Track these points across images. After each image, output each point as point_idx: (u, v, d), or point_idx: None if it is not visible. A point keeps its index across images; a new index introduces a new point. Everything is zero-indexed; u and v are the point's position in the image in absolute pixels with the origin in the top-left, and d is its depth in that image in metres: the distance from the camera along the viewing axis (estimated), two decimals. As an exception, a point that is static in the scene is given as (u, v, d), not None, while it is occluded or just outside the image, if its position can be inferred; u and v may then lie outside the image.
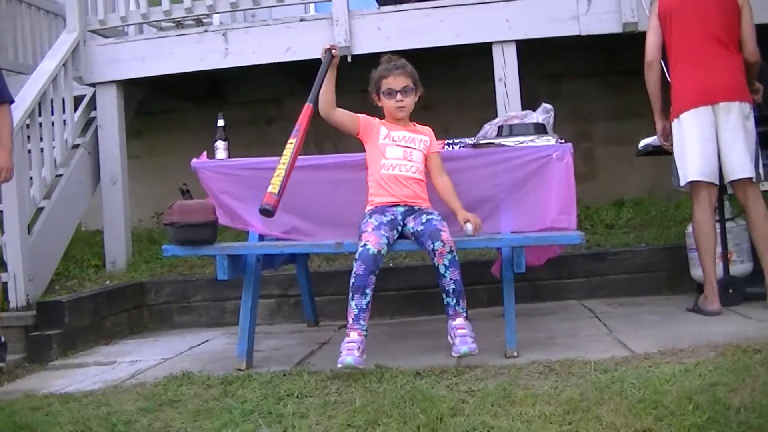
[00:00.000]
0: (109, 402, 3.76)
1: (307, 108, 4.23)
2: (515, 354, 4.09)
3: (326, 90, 4.27)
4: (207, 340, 5.43)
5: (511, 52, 6.41)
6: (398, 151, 4.24)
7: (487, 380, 3.58)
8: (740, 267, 5.30)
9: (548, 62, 7.61)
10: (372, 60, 4.54)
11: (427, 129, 4.41)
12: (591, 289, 5.98)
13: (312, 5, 7.94)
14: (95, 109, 6.97)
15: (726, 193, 5.25)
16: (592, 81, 8.16)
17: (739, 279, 5.24)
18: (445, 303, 4.01)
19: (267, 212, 4.00)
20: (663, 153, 5.52)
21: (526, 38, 6.42)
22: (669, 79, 5.17)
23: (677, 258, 5.79)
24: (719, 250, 5.22)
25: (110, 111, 6.81)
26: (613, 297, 5.84)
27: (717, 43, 4.95)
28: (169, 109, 8.55)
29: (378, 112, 4.46)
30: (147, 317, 6.17)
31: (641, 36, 6.06)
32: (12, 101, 4.93)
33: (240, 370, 4.21)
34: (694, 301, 5.09)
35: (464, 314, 3.97)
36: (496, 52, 6.42)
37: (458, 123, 7.30)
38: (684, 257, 5.61)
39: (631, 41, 6.40)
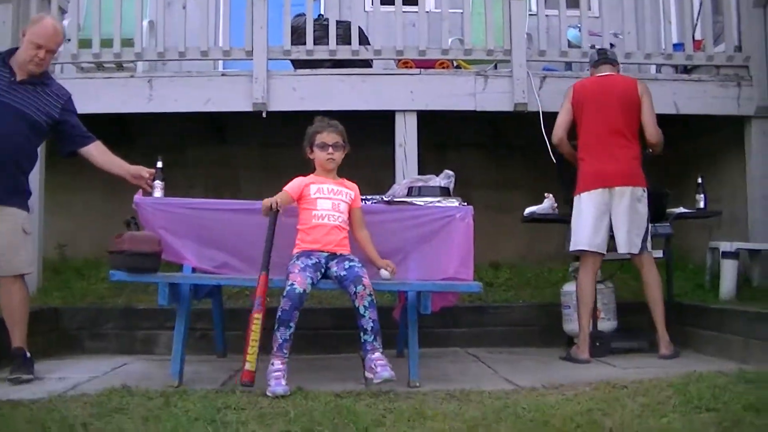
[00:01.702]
0: (58, 408, 4.05)
1: (262, 277, 4.61)
2: (417, 384, 4.70)
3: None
4: (125, 363, 5.79)
5: (412, 120, 7.09)
6: (327, 203, 4.87)
7: (398, 402, 4.16)
8: (607, 324, 6.10)
9: (436, 132, 8.28)
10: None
11: (353, 185, 5.05)
12: (472, 338, 6.64)
13: (221, 62, 8.41)
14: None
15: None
16: (476, 152, 8.85)
17: (606, 334, 6.02)
18: (363, 340, 4.58)
19: (248, 386, 4.43)
20: (546, 221, 6.30)
21: (427, 110, 7.13)
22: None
23: (551, 314, 6.57)
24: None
25: (32, 145, 7.09)
26: (493, 347, 6.52)
27: (617, 135, 5.82)
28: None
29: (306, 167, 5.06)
30: (58, 341, 6.39)
31: (528, 115, 6.90)
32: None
33: (173, 387, 4.63)
34: (567, 352, 5.84)
35: (380, 349, 4.56)
36: (399, 119, 7.08)
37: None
38: (557, 314, 6.38)
39: (517, 119, 7.21)
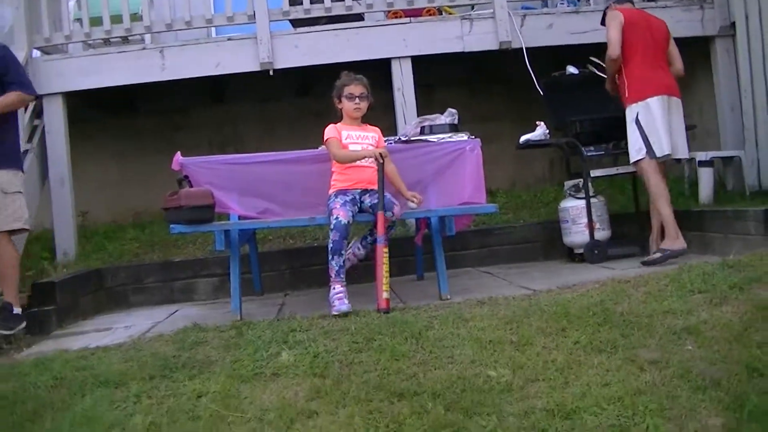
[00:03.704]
0: (143, 348, 4.63)
1: (380, 216, 5.26)
2: (449, 297, 5.38)
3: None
4: (177, 310, 6.41)
5: (408, 66, 7.70)
6: (358, 147, 5.51)
7: (439, 311, 4.83)
8: (602, 233, 6.78)
9: (423, 73, 8.61)
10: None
11: (376, 128, 5.70)
12: (482, 258, 7.30)
13: (213, 29, 8.88)
14: (38, 117, 7.74)
15: (590, 176, 6.69)
16: (461, 89, 9.42)
17: (602, 242, 6.70)
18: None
19: (387, 312, 4.93)
20: (540, 146, 6.95)
21: (420, 54, 7.72)
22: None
23: (549, 230, 7.25)
24: (585, 220, 6.66)
25: (57, 119, 7.61)
26: (501, 264, 7.20)
27: (663, 58, 6.42)
28: (84, 119, 9.31)
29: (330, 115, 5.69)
30: (106, 299, 7.00)
31: (510, 52, 7.50)
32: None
33: (237, 320, 5.23)
34: (661, 249, 6.22)
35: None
36: (395, 66, 7.69)
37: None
38: (555, 229, 7.06)
39: (498, 56, 7.82)
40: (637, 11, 6.60)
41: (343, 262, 5.18)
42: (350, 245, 5.73)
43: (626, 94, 6.36)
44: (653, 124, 6.25)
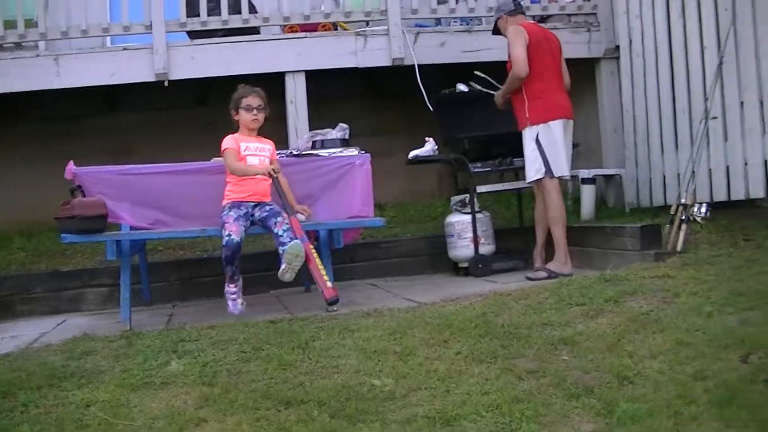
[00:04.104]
0: (31, 357, 4.60)
1: (294, 220, 5.52)
2: (335, 309, 5.50)
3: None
4: (65, 320, 6.35)
5: (301, 80, 7.81)
6: (255, 159, 5.65)
7: (325, 322, 4.97)
8: (487, 248, 7.01)
9: (317, 86, 8.50)
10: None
11: (270, 141, 5.83)
12: (369, 271, 7.39)
13: (109, 38, 8.84)
14: None
15: (476, 192, 6.92)
16: (354, 102, 9.55)
17: (487, 257, 6.93)
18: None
19: (336, 301, 5.41)
20: (428, 162, 7.16)
21: (314, 69, 7.86)
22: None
23: (436, 245, 7.41)
24: (470, 235, 6.88)
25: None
26: (388, 276, 7.32)
27: (559, 76, 6.63)
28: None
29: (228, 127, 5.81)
30: (-10, 308, 6.85)
31: (403, 67, 7.69)
32: None
33: (127, 330, 5.27)
34: (542, 268, 6.46)
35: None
36: (289, 80, 7.79)
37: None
38: (441, 243, 7.26)
39: (391, 71, 8.01)
40: (536, 27, 6.77)
41: (236, 267, 5.39)
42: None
43: (527, 114, 6.47)
44: (554, 146, 6.43)
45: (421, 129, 7.51)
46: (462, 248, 6.97)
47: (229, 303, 5.44)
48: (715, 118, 6.57)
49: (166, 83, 7.56)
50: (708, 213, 6.31)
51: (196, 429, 3.57)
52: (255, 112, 5.67)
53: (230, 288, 5.45)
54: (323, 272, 5.34)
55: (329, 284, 5.30)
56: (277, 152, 6.04)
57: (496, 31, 6.81)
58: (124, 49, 7.76)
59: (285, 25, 8.18)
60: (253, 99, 5.69)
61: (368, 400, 3.77)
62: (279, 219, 5.45)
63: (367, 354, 4.26)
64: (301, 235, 5.37)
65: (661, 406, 3.67)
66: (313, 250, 5.41)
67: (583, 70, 8.31)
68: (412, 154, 7.15)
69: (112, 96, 9.05)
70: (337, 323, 4.87)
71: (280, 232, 5.41)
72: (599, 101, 8.46)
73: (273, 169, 5.51)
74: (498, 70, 6.92)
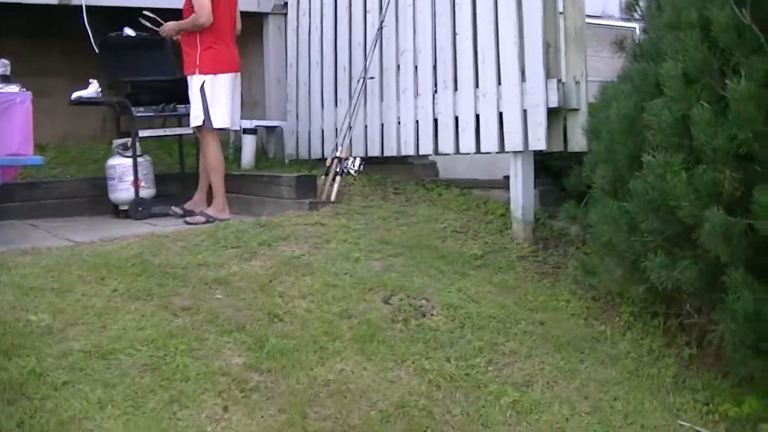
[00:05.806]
0: None
1: None
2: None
3: None
4: None
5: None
6: None
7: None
8: (147, 191, 7.13)
9: None
10: None
11: None
12: (28, 211, 7.17)
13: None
14: None
15: (138, 136, 7.01)
16: (15, 40, 9.20)
17: (147, 200, 7.06)
18: None
19: None
20: (92, 104, 7.15)
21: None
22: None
23: (96, 187, 7.41)
24: (131, 178, 6.98)
25: None
26: (48, 217, 7.17)
27: (233, 29, 6.82)
28: None
29: None
30: None
31: (68, 8, 7.56)
32: None
33: None
34: (206, 214, 6.61)
35: None
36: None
37: None
38: (102, 186, 7.28)
39: (59, 10, 7.84)
40: None
41: None
42: None
43: (197, 62, 6.62)
44: (218, 99, 6.64)
45: (87, 71, 7.42)
46: (122, 191, 7.05)
47: None
48: (372, 78, 7.13)
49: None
50: (362, 167, 6.85)
51: None
52: None
53: None
54: None
55: None
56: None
57: None
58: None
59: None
60: None
61: (24, 335, 3.89)
62: None
63: (23, 290, 4.35)
64: None
65: (308, 341, 4.14)
66: None
67: (252, 23, 8.55)
68: (75, 95, 7.11)
69: None
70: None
71: None
72: (265, 55, 8.81)
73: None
74: (171, 17, 6.96)
